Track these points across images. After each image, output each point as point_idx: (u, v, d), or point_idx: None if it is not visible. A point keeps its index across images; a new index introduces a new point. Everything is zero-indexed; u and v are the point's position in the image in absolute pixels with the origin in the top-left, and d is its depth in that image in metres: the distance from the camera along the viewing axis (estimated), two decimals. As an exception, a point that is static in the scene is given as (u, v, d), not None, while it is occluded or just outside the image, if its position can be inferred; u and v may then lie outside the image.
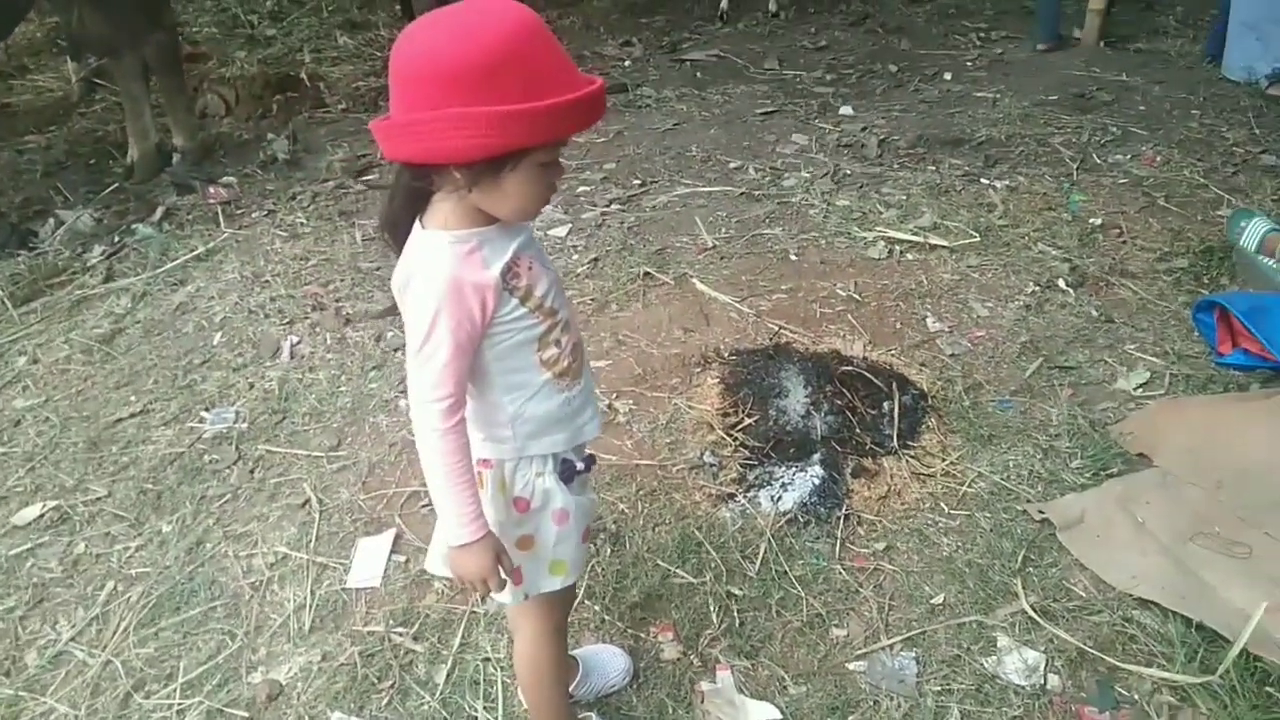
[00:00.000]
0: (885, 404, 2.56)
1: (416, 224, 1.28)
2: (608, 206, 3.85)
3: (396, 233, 1.31)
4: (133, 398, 2.91)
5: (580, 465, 1.52)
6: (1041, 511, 2.28)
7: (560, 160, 1.23)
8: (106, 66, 5.00)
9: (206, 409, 2.82)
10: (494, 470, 1.42)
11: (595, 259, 3.44)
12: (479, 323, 1.26)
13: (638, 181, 4.09)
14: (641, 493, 2.39)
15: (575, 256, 3.47)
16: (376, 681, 1.98)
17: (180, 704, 1.96)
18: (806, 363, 2.71)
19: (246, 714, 1.94)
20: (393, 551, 2.28)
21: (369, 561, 2.27)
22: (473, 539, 1.32)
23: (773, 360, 2.75)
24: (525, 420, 1.39)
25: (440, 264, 1.23)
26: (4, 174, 4.82)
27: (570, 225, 3.69)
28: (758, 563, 2.19)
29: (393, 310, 1.35)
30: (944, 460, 2.45)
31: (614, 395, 2.70)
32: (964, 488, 2.37)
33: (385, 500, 2.44)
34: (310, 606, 2.16)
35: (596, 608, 2.10)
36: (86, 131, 5.40)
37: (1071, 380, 2.73)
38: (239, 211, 4.04)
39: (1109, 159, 4.05)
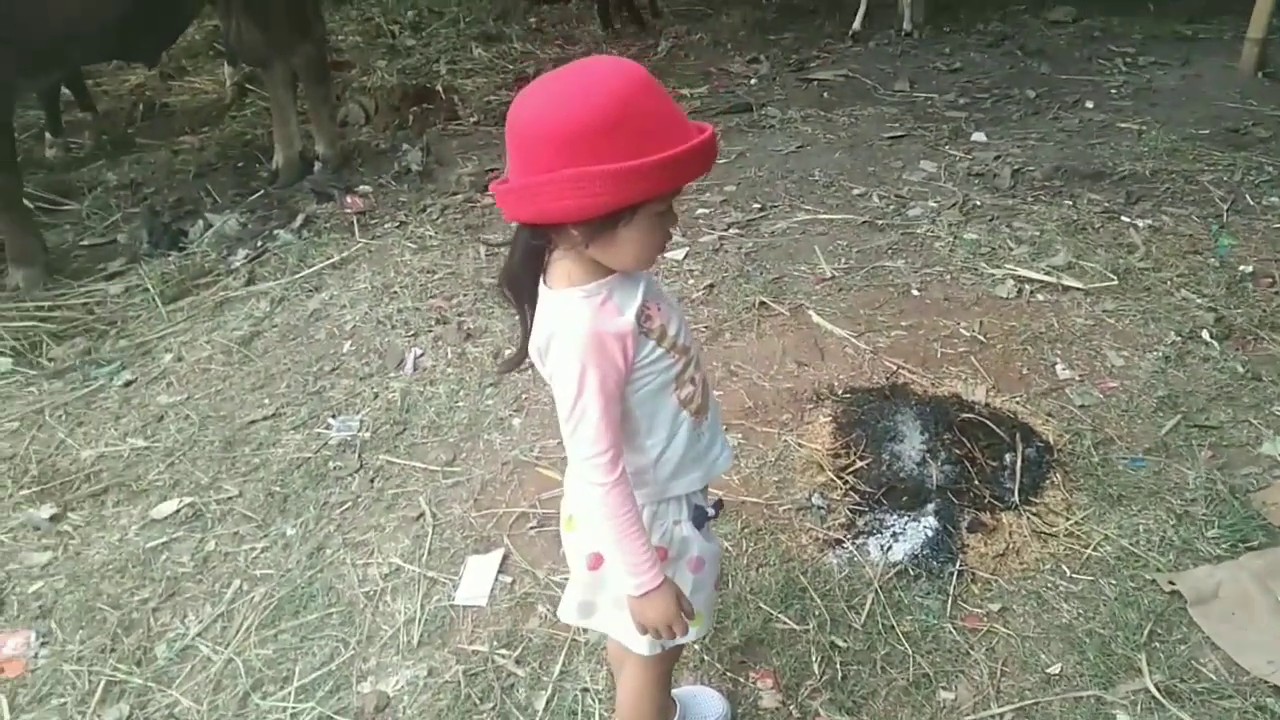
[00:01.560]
0: (1007, 456, 2.47)
1: (543, 287, 1.30)
2: (726, 231, 3.84)
3: (517, 288, 1.34)
4: (266, 400, 3.06)
5: (711, 511, 1.52)
6: (1172, 583, 2.16)
7: (674, 207, 1.25)
8: (258, 73, 5.28)
9: (333, 416, 2.94)
10: None
11: (711, 285, 3.43)
12: (623, 370, 1.27)
13: (758, 205, 4.07)
14: (747, 531, 2.37)
15: (691, 281, 3.47)
16: (479, 703, 2.02)
17: (294, 708, 2.05)
18: (925, 406, 2.64)
19: (354, 724, 2.01)
20: (500, 571, 2.33)
21: (477, 579, 2.32)
22: (653, 585, 1.33)
23: (889, 401, 2.69)
24: (666, 462, 1.40)
25: (578, 320, 1.25)
26: (160, 173, 5.16)
27: (687, 249, 3.70)
28: (864, 614, 2.14)
29: (517, 362, 1.38)
30: (1068, 520, 2.34)
31: (724, 428, 2.69)
32: (1089, 550, 2.27)
33: (495, 519, 2.49)
34: (419, 620, 2.23)
35: (696, 646, 2.10)
36: (236, 135, 5.72)
37: (1212, 441, 2.57)
38: (373, 221, 4.21)
39: (1263, 201, 3.81)
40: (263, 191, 4.63)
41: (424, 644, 2.18)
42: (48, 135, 5.44)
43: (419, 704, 2.04)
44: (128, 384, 3.23)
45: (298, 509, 2.60)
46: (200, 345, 3.40)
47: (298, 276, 3.76)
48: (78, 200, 4.79)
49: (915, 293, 3.32)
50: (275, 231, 4.13)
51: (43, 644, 2.26)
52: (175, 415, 3.03)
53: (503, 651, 2.13)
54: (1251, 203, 3.80)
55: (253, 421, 2.96)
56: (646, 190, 1.13)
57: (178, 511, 2.63)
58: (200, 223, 4.26)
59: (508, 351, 3.15)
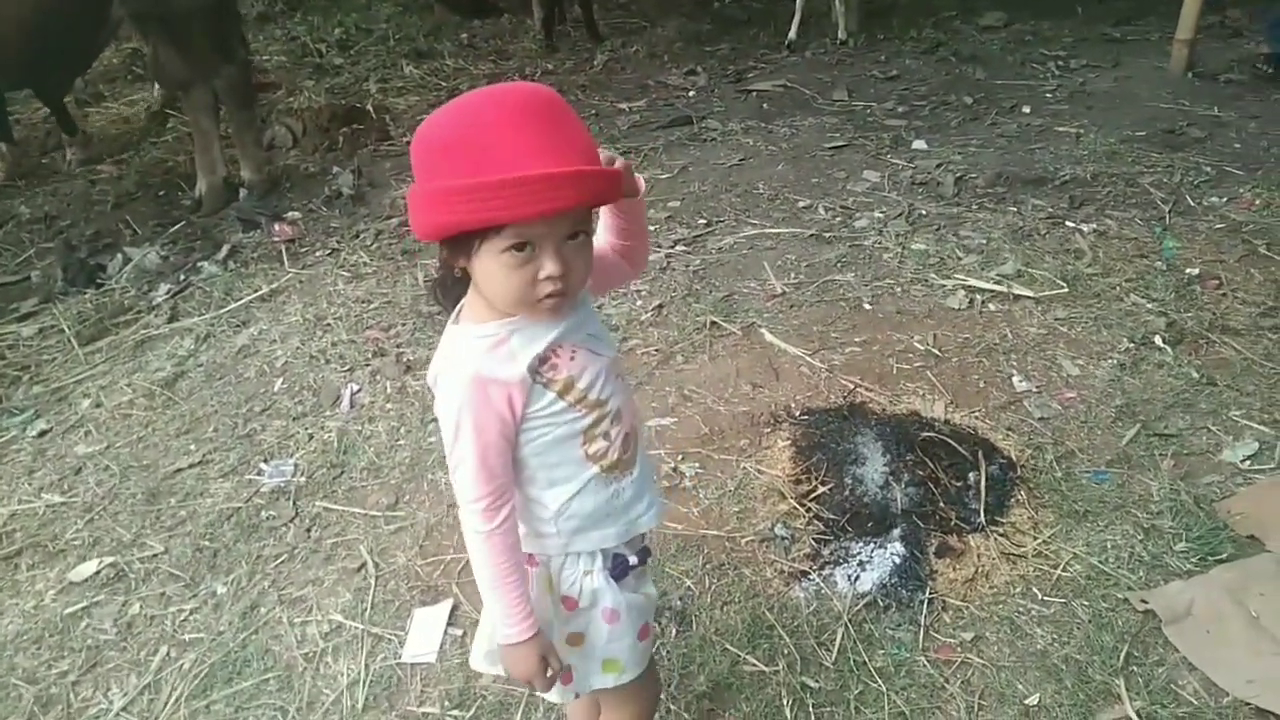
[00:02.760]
0: (971, 475, 2.41)
1: (451, 319, 1.26)
2: (673, 248, 3.75)
3: (447, 301, 1.29)
4: (193, 446, 2.87)
5: (633, 560, 1.42)
6: (1145, 601, 2.11)
7: (546, 255, 1.10)
8: (178, 97, 5.06)
9: (265, 460, 2.77)
10: (539, 569, 1.35)
11: (660, 305, 3.33)
12: (509, 420, 1.20)
13: (703, 221, 3.98)
14: (709, 566, 2.27)
15: (639, 302, 3.37)
16: (430, 771, 1.88)
17: (229, 788, 1.89)
18: (884, 426, 2.56)
19: (296, 802, 1.86)
20: (449, 624, 2.19)
21: (425, 634, 2.18)
22: (520, 639, 1.27)
23: (848, 421, 2.61)
24: (570, 516, 1.30)
25: (462, 361, 1.19)
26: (77, 204, 4.90)
27: (635, 268, 3.59)
28: (834, 651, 2.05)
29: None
30: (1035, 539, 2.28)
31: (680, 457, 2.59)
32: (1058, 571, 2.21)
33: (442, 567, 2.35)
34: (364, 682, 2.08)
35: (662, 695, 1.98)
36: (157, 161, 5.48)
37: (1173, 450, 2.54)
38: (303, 250, 4.03)
39: (1204, 201, 3.83)
40: (185, 221, 4.41)
41: (370, 708, 2.03)
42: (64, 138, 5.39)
43: (366, 776, 1.89)
44: (42, 434, 3.02)
45: (228, 565, 2.43)
46: (120, 389, 3.19)
47: (224, 311, 3.57)
48: (-13, 236, 4.53)
49: (867, 307, 3.25)
50: (199, 264, 3.93)
51: (-51, 731, 2.06)
52: (94, 466, 2.83)
53: (455, 713, 1.99)
54: (1192, 204, 3.82)
55: (178, 470, 2.77)
56: (472, 213, 1.05)
57: (98, 573, 2.44)
58: (119, 256, 4.04)
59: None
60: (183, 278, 3.85)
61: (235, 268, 3.90)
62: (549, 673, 1.30)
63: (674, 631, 2.12)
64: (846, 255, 3.61)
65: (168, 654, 2.20)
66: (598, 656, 1.40)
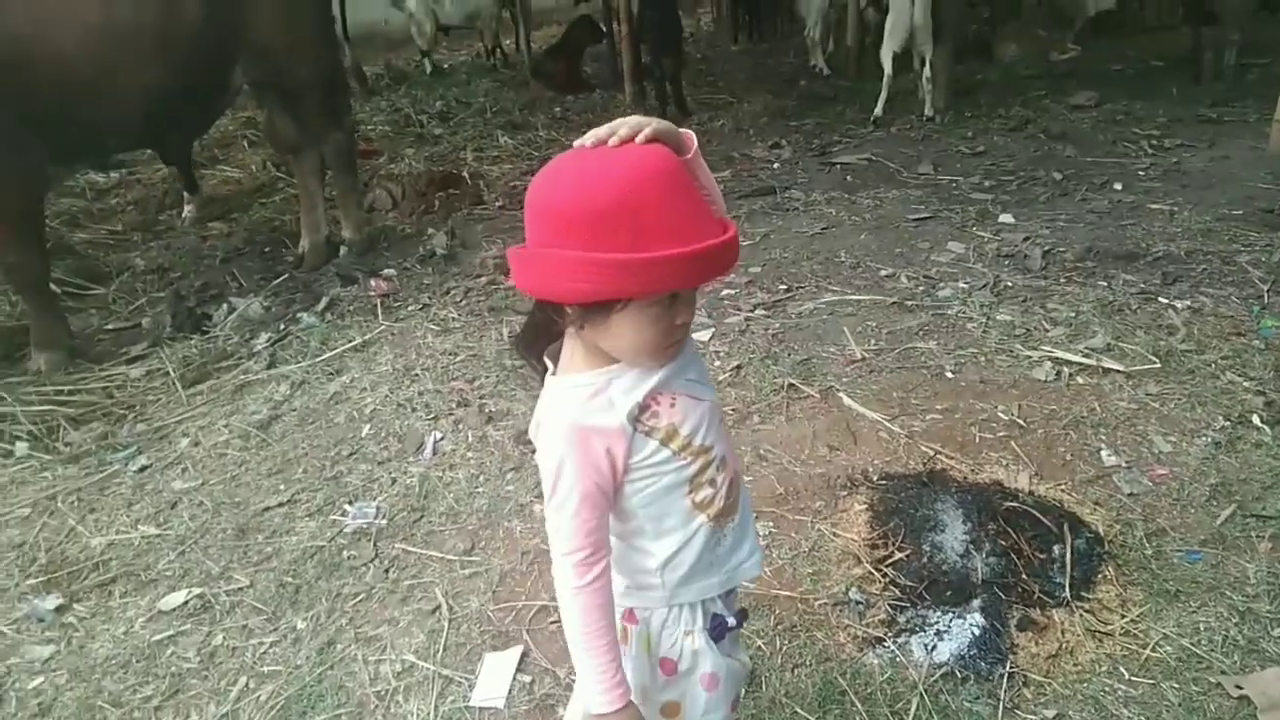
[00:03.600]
0: (1056, 547, 2.33)
1: (549, 371, 1.26)
2: (752, 312, 3.78)
3: (530, 355, 1.31)
4: (282, 486, 2.98)
5: (732, 621, 1.40)
6: (1240, 686, 1.99)
7: (683, 303, 1.16)
8: (288, 160, 5.37)
9: (350, 502, 2.86)
10: (639, 626, 1.34)
11: (738, 366, 3.35)
12: (608, 472, 1.20)
13: (784, 287, 4.01)
14: (780, 628, 2.24)
15: (718, 363, 3.39)
16: (494, 815, 1.88)
17: (298, 818, 1.92)
18: (965, 494, 2.51)
19: (361, 838, 1.87)
20: (518, 670, 2.20)
21: (494, 679, 2.19)
22: (611, 709, 1.23)
23: (927, 488, 2.57)
24: (676, 566, 1.30)
25: (563, 410, 1.20)
26: (188, 258, 5.21)
27: (713, 329, 3.64)
28: (908, 720, 1.99)
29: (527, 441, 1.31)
30: (1123, 617, 2.19)
31: (754, 516, 2.57)
32: (1147, 651, 2.11)
33: (514, 613, 2.37)
34: (432, 723, 2.10)
35: None
36: (265, 220, 5.79)
37: (1271, 532, 2.42)
38: (396, 304, 4.19)
39: (1306, 280, 3.71)
40: (287, 275, 4.64)
41: (437, 749, 2.05)
42: (185, 195, 5.81)
43: (430, 817, 1.89)
44: (143, 469, 3.17)
45: (309, 601, 2.50)
46: (218, 429, 3.34)
47: (319, 359, 3.73)
48: (105, 285, 4.83)
49: (949, 375, 3.22)
50: (298, 315, 4.12)
51: (38, 746, 2.14)
52: (189, 502, 2.96)
53: (521, 759, 1.99)
54: (1293, 283, 3.70)
55: (267, 508, 2.88)
56: (632, 286, 1.07)
57: (186, 603, 2.53)
58: (224, 306, 4.26)
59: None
60: (282, 327, 4.03)
61: (332, 319, 4.07)
62: None
63: (743, 692, 2.08)
64: (929, 324, 3.59)
65: (246, 685, 2.26)
66: None
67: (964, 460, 2.73)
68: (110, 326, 4.41)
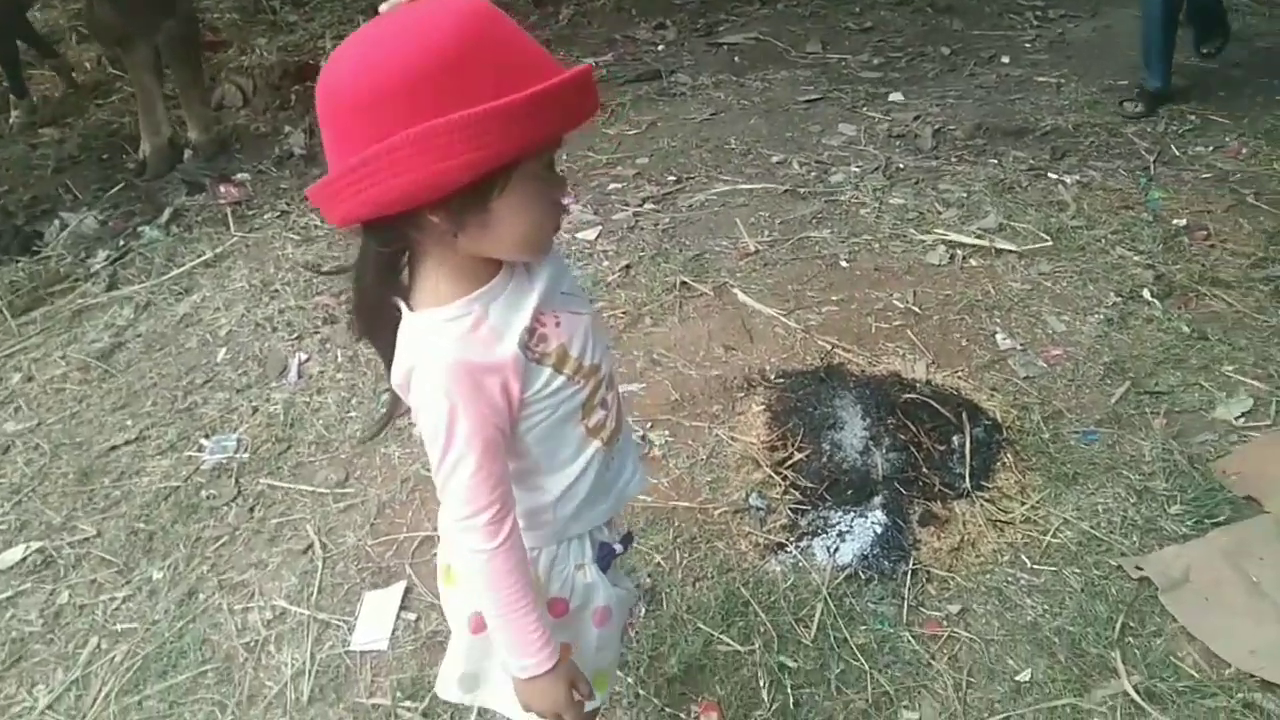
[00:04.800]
0: (955, 438, 2.28)
1: (405, 310, 1.02)
2: (641, 206, 3.58)
3: (377, 326, 1.06)
4: (129, 422, 2.69)
5: (619, 548, 1.27)
6: (1140, 568, 2.00)
7: (556, 175, 0.99)
8: (118, 56, 4.79)
9: (206, 436, 2.60)
10: (529, 568, 1.18)
11: (628, 266, 3.17)
12: (506, 411, 1.02)
13: (673, 178, 3.80)
14: (680, 540, 2.13)
15: (606, 263, 3.20)
16: (380, 769, 1.74)
17: (161, 791, 1.74)
18: (864, 388, 2.43)
19: (234, 805, 1.71)
20: (402, 607, 2.05)
21: (376, 619, 2.03)
22: (542, 670, 1.09)
23: (825, 384, 2.47)
24: (570, 499, 1.15)
25: (440, 352, 0.98)
26: (16, 169, 4.65)
27: (600, 227, 3.42)
28: (813, 628, 1.92)
29: (390, 417, 1.09)
30: (1023, 504, 2.16)
31: (649, 425, 2.44)
32: (1048, 537, 2.09)
33: (395, 546, 2.20)
34: (310, 672, 1.93)
35: (630, 680, 1.85)
36: (101, 124, 5.20)
37: (1165, 408, 2.42)
38: (250, 213, 3.81)
39: (1189, 151, 3.70)
40: (126, 184, 4.18)
41: (315, 700, 1.89)
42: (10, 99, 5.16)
43: (310, 776, 1.75)
44: (-32, 412, 2.83)
45: (165, 548, 2.27)
46: (54, 362, 2.99)
47: (165, 278, 3.37)
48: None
49: (844, 264, 3.11)
50: (140, 229, 3.71)
51: None
52: (23, 445, 2.64)
53: (407, 704, 1.85)
54: (1178, 153, 3.68)
55: (113, 448, 2.60)
56: (519, 139, 0.84)
57: (24, 559, 2.27)
58: (56, 223, 3.81)
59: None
60: (122, 244, 3.63)
61: (178, 232, 3.68)
62: (578, 698, 1.15)
63: (643, 610, 1.98)
64: (822, 211, 3.46)
65: (98, 646, 2.04)
66: (587, 670, 1.22)
67: (861, 352, 2.64)
68: (-73, 251, 3.91)
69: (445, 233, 0.93)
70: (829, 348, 2.67)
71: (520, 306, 1.02)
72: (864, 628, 1.93)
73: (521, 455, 1.10)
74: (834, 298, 2.92)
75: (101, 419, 2.72)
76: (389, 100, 0.82)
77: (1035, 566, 2.03)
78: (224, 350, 2.95)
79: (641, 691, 1.83)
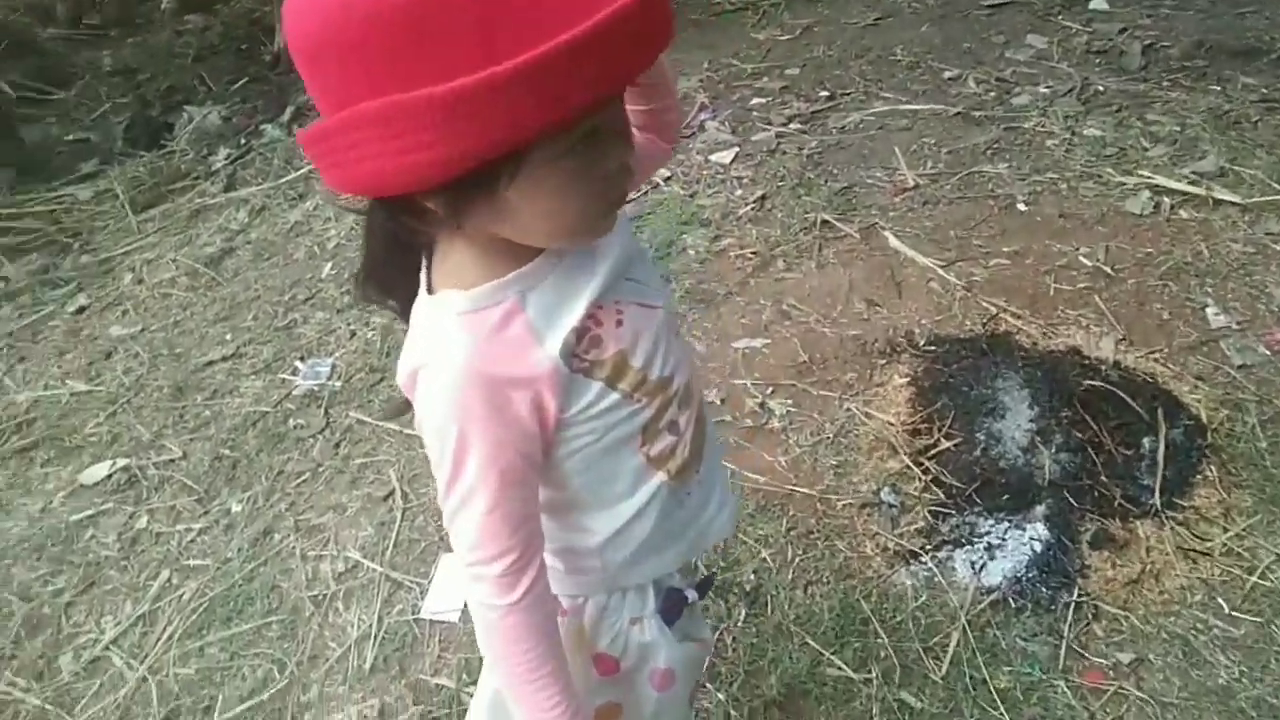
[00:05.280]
0: (1145, 440, 1.87)
1: (422, 290, 0.78)
2: (785, 126, 3.17)
3: (387, 290, 0.83)
4: (228, 336, 2.59)
5: (691, 595, 1.01)
6: (1376, 632, 1.58)
7: (610, 134, 0.69)
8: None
9: (301, 358, 2.46)
10: (570, 619, 0.96)
11: (763, 197, 2.80)
12: (537, 434, 0.77)
13: (825, 93, 3.36)
14: (794, 533, 1.84)
15: (739, 192, 2.84)
16: (435, 764, 1.57)
17: (210, 755, 1.63)
18: (1034, 367, 2.03)
19: (281, 782, 1.58)
20: (479, 577, 1.85)
21: (449, 587, 1.85)
22: None
23: (986, 358, 2.09)
24: (623, 543, 0.90)
25: (456, 354, 0.73)
26: (160, 56, 4.64)
27: (737, 149, 3.05)
28: (945, 661, 1.61)
29: (405, 408, 0.84)
30: (1226, 531, 1.75)
31: (769, 390, 2.13)
32: (1254, 577, 1.68)
33: (478, 504, 2.00)
34: (375, 638, 1.78)
35: (721, 696, 1.60)
36: (245, 11, 5.13)
37: None
38: (373, 114, 3.63)
39: None
40: (256, 77, 4.07)
41: (377, 670, 1.73)
42: None
43: (363, 760, 1.60)
44: (80, 310, 2.81)
45: (247, 479, 2.15)
46: (165, 264, 2.93)
47: (282, 181, 3.24)
48: (68, 89, 4.32)
49: (1022, 207, 2.64)
50: (262, 126, 3.59)
51: (-65, 645, 1.87)
52: (125, 352, 2.59)
53: (472, 690, 1.66)
54: None
55: (209, 363, 2.50)
56: (512, 125, 0.57)
57: (110, 476, 2.21)
58: (184, 115, 3.74)
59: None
60: (244, 142, 3.53)
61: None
62: None
63: (742, 614, 1.71)
64: (999, 141, 2.96)
65: (169, 580, 1.95)
66: None
67: (1034, 320, 2.22)
68: (70, 137, 3.93)
69: (443, 223, 0.66)
70: (995, 311, 2.26)
71: (571, 297, 0.76)
72: (1008, 669, 1.60)
73: (559, 485, 0.85)
74: (1006, 249, 2.48)
75: (203, 330, 2.63)
76: (340, 56, 0.58)
77: (1234, 614, 1.64)
78: (329, 265, 2.79)
79: (733, 712, 1.58)
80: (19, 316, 2.80)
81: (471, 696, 1.62)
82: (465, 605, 1.80)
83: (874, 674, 1.61)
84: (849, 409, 2.06)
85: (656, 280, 0.89)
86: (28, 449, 2.32)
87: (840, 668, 1.62)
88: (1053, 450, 1.86)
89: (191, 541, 2.02)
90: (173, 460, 2.22)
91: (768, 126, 3.15)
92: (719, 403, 2.09)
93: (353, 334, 2.51)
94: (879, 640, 1.65)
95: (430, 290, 0.78)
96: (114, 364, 2.55)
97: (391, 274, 0.80)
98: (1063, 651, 1.61)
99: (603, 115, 0.66)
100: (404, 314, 0.81)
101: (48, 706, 1.74)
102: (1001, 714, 1.54)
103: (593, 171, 0.68)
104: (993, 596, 1.69)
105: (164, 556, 2.00)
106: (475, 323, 0.73)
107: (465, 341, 0.72)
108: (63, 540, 2.07)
